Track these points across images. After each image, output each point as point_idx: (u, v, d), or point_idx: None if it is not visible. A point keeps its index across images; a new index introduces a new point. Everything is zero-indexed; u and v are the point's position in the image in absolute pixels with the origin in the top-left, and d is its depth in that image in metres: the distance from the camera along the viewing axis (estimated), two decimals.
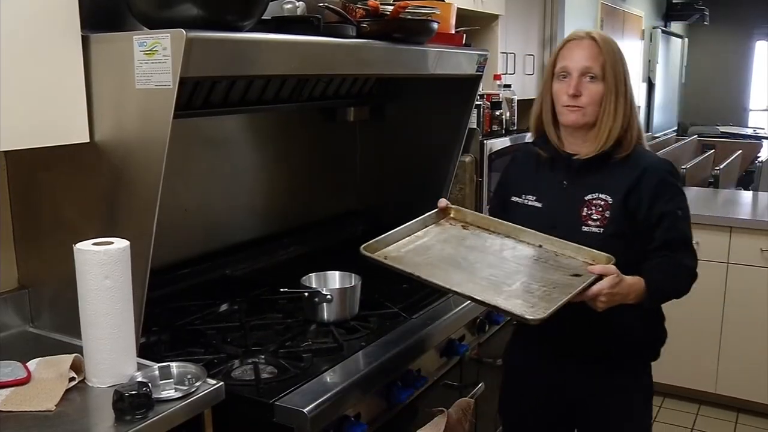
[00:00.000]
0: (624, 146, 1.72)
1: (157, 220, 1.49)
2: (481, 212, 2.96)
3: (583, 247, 1.68)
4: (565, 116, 1.74)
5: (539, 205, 1.79)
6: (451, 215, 1.89)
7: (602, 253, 1.66)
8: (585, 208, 1.72)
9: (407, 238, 1.80)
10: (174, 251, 2.10)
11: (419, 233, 1.83)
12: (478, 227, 1.85)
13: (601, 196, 1.71)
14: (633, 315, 1.68)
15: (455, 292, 1.61)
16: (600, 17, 5.52)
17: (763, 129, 9.20)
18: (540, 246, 1.74)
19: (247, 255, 2.33)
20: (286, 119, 2.56)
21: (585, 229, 1.71)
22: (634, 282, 1.61)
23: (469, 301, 1.87)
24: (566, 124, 1.75)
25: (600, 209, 1.71)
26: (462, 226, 1.87)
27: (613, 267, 1.58)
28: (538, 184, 1.81)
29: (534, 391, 1.88)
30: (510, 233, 1.80)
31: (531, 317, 1.48)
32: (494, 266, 1.70)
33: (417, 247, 1.78)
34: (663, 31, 7.90)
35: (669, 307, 1.76)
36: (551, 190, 1.79)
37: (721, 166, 5.07)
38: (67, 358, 1.46)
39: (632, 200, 1.69)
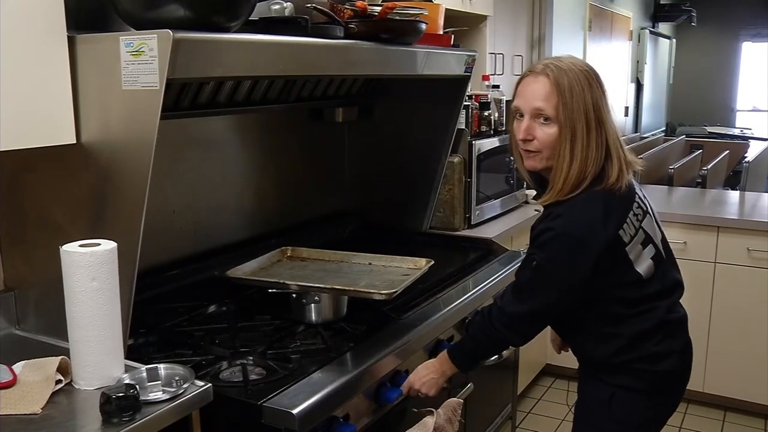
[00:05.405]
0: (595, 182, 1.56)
1: (145, 222, 1.48)
2: (470, 212, 2.99)
3: (406, 257, 2.06)
4: (524, 160, 1.63)
5: None
6: (288, 254, 2.23)
7: (422, 258, 2.03)
8: None
9: (260, 269, 2.10)
10: (162, 252, 2.10)
11: (266, 266, 2.13)
12: (315, 259, 2.20)
13: None
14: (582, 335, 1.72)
15: (319, 288, 1.87)
16: (588, 18, 5.54)
17: (750, 129, 9.26)
18: (369, 263, 2.14)
19: (236, 256, 2.31)
20: (274, 120, 2.56)
21: None
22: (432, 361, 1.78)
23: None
24: (525, 168, 1.65)
25: None
26: (300, 260, 2.21)
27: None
28: None
29: None
30: (343, 259, 2.18)
31: (385, 291, 1.80)
32: (339, 276, 2.03)
33: (270, 273, 2.07)
34: (651, 32, 7.95)
35: None
36: None
37: (709, 166, 5.09)
38: (54, 361, 1.45)
39: None
